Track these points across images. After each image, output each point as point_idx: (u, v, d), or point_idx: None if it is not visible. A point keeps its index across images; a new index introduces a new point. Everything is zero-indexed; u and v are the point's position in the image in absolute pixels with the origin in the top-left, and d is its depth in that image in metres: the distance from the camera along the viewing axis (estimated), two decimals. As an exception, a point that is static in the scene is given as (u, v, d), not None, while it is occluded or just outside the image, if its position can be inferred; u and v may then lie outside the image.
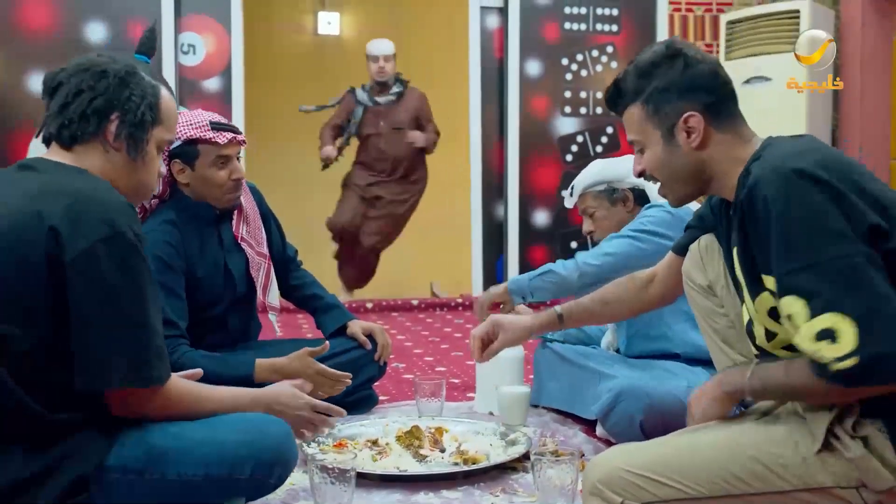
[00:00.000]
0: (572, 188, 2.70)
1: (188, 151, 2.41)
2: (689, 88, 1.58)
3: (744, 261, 1.51)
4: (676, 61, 1.58)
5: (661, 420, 2.16)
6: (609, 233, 2.62)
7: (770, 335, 1.51)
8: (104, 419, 1.50)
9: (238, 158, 2.50)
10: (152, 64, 1.74)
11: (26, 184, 1.51)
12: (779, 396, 1.49)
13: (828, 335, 1.28)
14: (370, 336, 2.70)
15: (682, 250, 1.91)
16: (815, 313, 1.29)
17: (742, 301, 1.60)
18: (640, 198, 2.63)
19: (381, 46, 5.88)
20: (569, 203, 2.74)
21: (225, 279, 2.52)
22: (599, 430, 2.37)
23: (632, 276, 2.10)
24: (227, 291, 2.53)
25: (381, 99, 5.90)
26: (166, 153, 2.40)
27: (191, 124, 2.39)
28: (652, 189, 2.57)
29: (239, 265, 2.56)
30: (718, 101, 1.59)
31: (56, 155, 1.59)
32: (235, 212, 2.57)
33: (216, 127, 2.41)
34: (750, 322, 1.58)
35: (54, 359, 1.44)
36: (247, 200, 2.61)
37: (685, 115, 1.58)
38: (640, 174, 1.66)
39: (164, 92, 1.65)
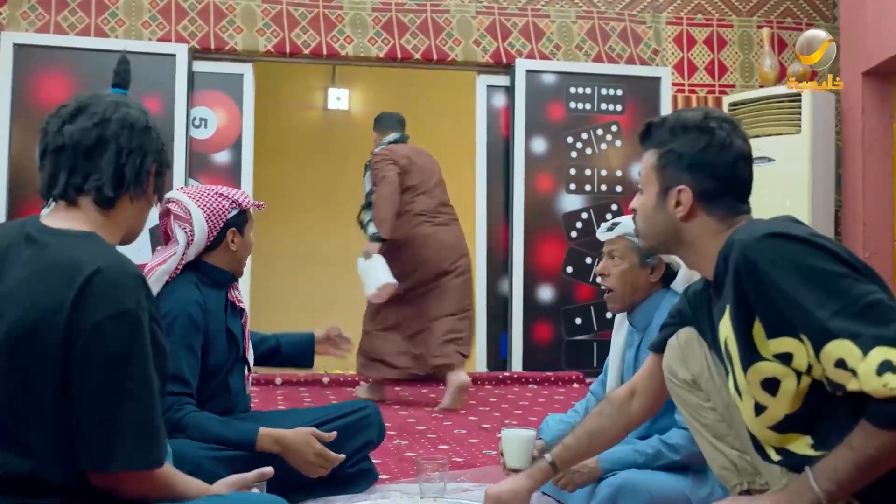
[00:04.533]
0: (615, 225, 2.43)
1: (243, 219, 2.59)
2: (698, 166, 1.63)
3: (738, 327, 1.51)
4: (703, 136, 1.63)
5: None
6: (619, 287, 2.40)
7: (759, 409, 1.51)
8: None
9: None
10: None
11: (38, 263, 1.46)
12: (858, 481, 1.37)
13: (888, 367, 1.29)
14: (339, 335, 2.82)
15: (659, 348, 1.86)
16: (866, 349, 1.31)
17: (728, 373, 1.59)
18: (668, 276, 2.40)
19: None
20: (601, 235, 2.47)
21: (228, 342, 2.58)
22: None
23: (608, 398, 1.99)
24: (231, 354, 2.59)
25: None
26: (222, 223, 2.50)
27: (243, 194, 2.60)
28: (681, 277, 2.38)
29: (237, 328, 2.63)
30: (719, 189, 1.63)
31: (66, 216, 1.52)
32: None
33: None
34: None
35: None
36: None
37: (680, 187, 1.64)
38: (633, 211, 1.75)
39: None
